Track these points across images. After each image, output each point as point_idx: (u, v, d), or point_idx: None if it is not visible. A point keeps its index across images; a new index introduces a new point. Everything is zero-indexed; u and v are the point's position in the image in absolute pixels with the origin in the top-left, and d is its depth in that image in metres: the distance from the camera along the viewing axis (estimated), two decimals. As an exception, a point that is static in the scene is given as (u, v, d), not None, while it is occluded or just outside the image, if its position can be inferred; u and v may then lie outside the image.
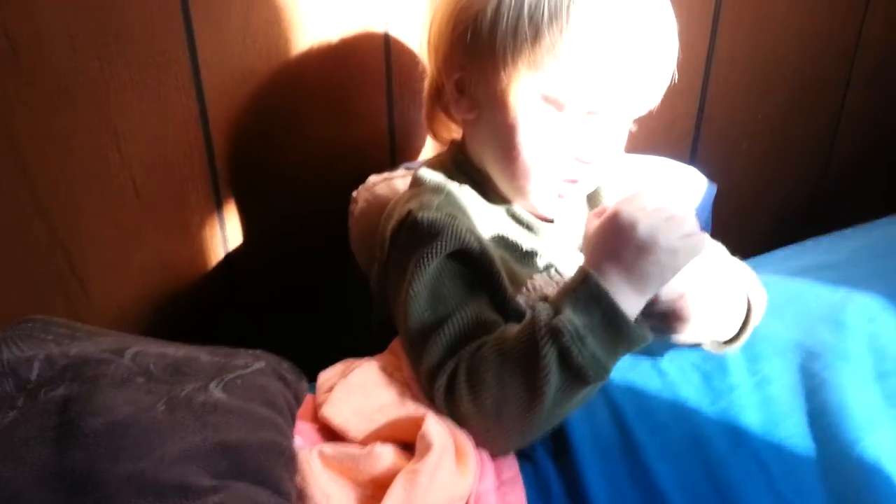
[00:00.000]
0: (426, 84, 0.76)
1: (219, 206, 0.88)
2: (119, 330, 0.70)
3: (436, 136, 0.81)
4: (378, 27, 0.87)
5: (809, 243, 0.99)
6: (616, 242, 0.58)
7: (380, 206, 0.82)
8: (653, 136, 1.10)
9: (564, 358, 0.55)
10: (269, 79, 0.84)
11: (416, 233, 0.65)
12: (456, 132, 0.79)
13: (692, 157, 1.18)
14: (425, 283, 0.63)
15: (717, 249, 0.77)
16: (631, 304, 0.58)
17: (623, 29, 0.62)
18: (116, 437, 0.46)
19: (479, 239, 0.65)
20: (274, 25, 0.82)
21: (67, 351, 0.53)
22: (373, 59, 0.89)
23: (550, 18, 0.62)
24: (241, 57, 0.82)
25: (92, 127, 0.78)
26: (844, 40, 1.21)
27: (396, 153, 0.95)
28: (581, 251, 0.76)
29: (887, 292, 0.80)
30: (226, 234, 0.90)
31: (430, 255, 0.63)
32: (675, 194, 0.60)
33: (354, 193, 0.86)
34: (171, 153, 0.83)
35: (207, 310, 0.93)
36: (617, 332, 0.56)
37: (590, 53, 0.62)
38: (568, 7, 0.62)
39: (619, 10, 0.62)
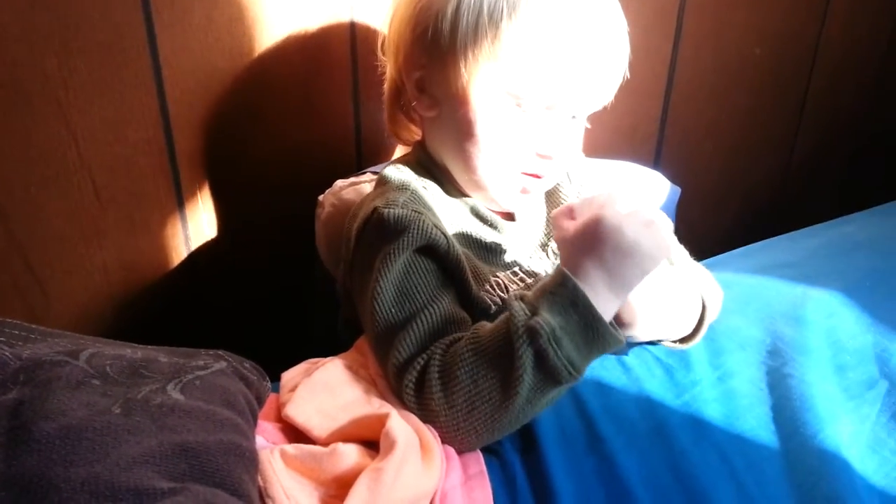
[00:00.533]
0: (386, 86, 0.77)
1: (181, 206, 0.87)
2: (80, 331, 0.69)
3: (398, 138, 0.82)
4: (344, 26, 0.87)
5: (771, 242, 1.01)
6: (600, 245, 0.58)
7: (346, 210, 0.82)
8: (618, 138, 1.11)
9: (540, 359, 0.56)
10: (233, 76, 0.83)
11: (382, 229, 0.65)
12: (417, 133, 0.80)
13: (657, 158, 1.19)
14: (392, 280, 0.63)
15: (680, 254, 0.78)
16: (608, 306, 0.59)
17: (577, 25, 0.64)
18: (70, 441, 0.44)
19: (445, 234, 0.65)
20: (238, 22, 0.81)
21: (20, 353, 0.51)
22: (339, 57, 0.88)
23: (509, 15, 0.63)
24: (203, 54, 0.81)
25: (49, 125, 0.77)
26: (805, 42, 1.23)
27: (363, 152, 0.95)
28: (544, 249, 0.77)
29: (844, 289, 0.82)
30: (188, 233, 0.89)
31: (397, 251, 0.63)
32: (645, 196, 0.61)
33: (321, 198, 0.86)
34: (132, 152, 0.82)
35: (170, 309, 0.92)
36: (593, 335, 0.57)
37: (546, 49, 0.64)
38: (525, 4, 0.63)
39: (573, 7, 0.64)
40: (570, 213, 0.62)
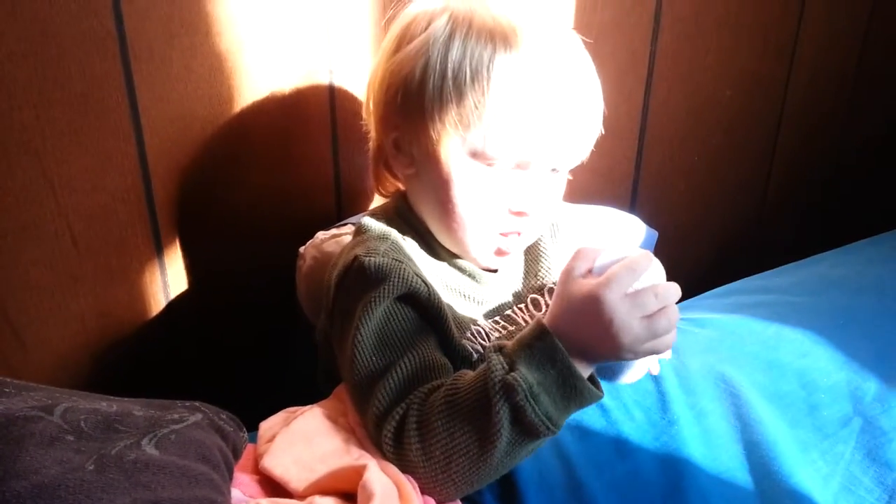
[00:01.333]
0: (371, 144, 0.78)
1: (159, 253, 0.87)
2: (56, 379, 0.68)
3: (383, 193, 0.82)
4: (323, 74, 0.88)
5: (744, 282, 1.03)
6: (587, 325, 0.56)
7: (328, 263, 0.82)
8: (595, 180, 1.13)
9: (517, 415, 0.55)
10: (212, 125, 0.84)
11: (362, 277, 0.65)
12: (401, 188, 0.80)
13: (633, 199, 1.21)
14: (373, 329, 0.63)
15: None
16: (581, 369, 0.58)
17: (544, 87, 0.65)
18: (43, 500, 0.44)
19: (426, 282, 0.66)
20: (217, 72, 0.82)
21: (-6, 408, 0.51)
22: (318, 106, 0.90)
23: (472, 79, 0.64)
24: (182, 103, 0.82)
25: (27, 174, 0.77)
26: (774, 84, 1.27)
27: (342, 200, 0.95)
28: (522, 300, 0.77)
29: (817, 328, 0.83)
30: (167, 280, 0.89)
31: (377, 299, 0.63)
32: (659, 270, 0.59)
33: (302, 250, 0.86)
34: (110, 200, 0.82)
35: (148, 358, 0.91)
36: (571, 391, 0.56)
37: (512, 112, 0.65)
38: (488, 68, 0.64)
39: (539, 69, 0.65)
40: (590, 263, 0.59)
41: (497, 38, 0.65)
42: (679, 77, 1.15)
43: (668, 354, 0.75)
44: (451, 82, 0.65)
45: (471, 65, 0.64)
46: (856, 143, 1.41)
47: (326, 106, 0.90)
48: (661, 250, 1.02)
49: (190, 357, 0.94)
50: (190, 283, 0.90)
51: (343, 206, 0.96)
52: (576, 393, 0.56)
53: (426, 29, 0.67)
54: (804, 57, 1.26)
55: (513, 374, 0.56)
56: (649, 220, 1.00)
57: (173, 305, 0.90)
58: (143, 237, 0.85)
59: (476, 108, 0.64)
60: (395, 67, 0.68)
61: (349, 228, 0.87)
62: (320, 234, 0.86)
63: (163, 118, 0.81)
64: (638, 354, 0.57)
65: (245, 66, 0.84)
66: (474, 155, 0.67)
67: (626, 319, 0.55)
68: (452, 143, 0.66)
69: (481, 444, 0.56)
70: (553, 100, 0.65)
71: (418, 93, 0.66)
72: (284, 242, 0.88)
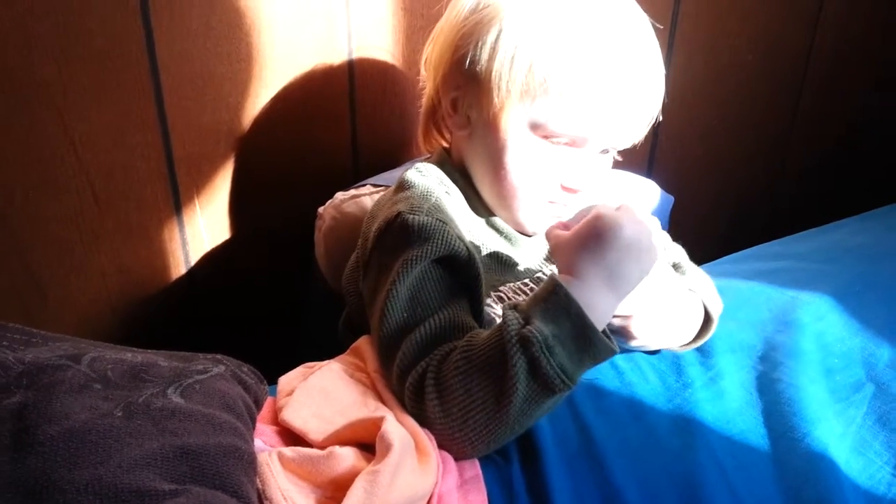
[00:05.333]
0: (424, 100, 0.78)
1: (178, 210, 0.88)
2: (78, 334, 0.69)
3: (427, 149, 0.82)
4: (342, 33, 0.88)
5: (762, 248, 1.02)
6: (599, 242, 0.59)
7: (347, 224, 0.83)
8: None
9: (533, 368, 0.56)
10: (231, 81, 0.84)
11: (405, 234, 0.65)
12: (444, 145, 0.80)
13: (650, 164, 1.20)
14: (408, 285, 0.64)
15: (679, 254, 0.79)
16: (607, 304, 0.60)
17: (614, 67, 0.66)
18: (73, 443, 0.45)
19: (467, 246, 0.66)
20: (236, 28, 0.82)
21: (23, 357, 0.52)
22: (336, 63, 0.89)
23: (545, 50, 0.65)
24: (202, 60, 0.82)
25: (48, 131, 0.77)
26: (797, 49, 1.24)
27: (359, 159, 0.96)
28: (551, 261, 0.77)
29: (834, 293, 0.83)
30: (185, 237, 0.90)
31: (418, 258, 0.64)
32: (634, 199, 0.63)
33: (321, 210, 0.87)
34: (130, 157, 0.82)
35: (168, 313, 0.92)
36: (585, 343, 0.57)
37: (580, 89, 0.66)
38: (562, 42, 0.65)
39: (612, 49, 0.66)
40: (563, 226, 0.64)
41: (574, 14, 0.66)
42: (700, 40, 1.14)
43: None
44: (523, 51, 0.66)
45: (545, 38, 0.65)
46: (879, 108, 1.38)
47: (345, 65, 0.90)
48: (678, 215, 1.02)
49: (208, 313, 0.95)
50: (208, 239, 0.91)
51: (360, 165, 0.96)
52: (590, 345, 0.57)
53: None
54: (827, 21, 1.23)
55: (528, 327, 0.57)
56: (666, 185, 1.00)
57: (191, 261, 0.91)
58: (162, 194, 0.86)
59: (545, 81, 0.66)
60: (468, 30, 0.69)
61: (368, 189, 0.87)
62: (339, 195, 0.87)
63: (182, 75, 0.81)
64: (651, 262, 0.61)
65: (264, 23, 0.83)
66: (534, 127, 0.68)
67: (630, 222, 0.59)
68: (514, 112, 0.68)
69: (498, 398, 0.57)
70: (620, 81, 0.66)
71: (489, 59, 0.67)
72: (302, 201, 0.89)
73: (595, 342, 0.57)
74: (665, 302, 0.69)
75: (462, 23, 0.70)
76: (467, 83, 0.70)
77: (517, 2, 0.67)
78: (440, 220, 0.66)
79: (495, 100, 0.67)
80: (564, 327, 0.57)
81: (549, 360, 0.56)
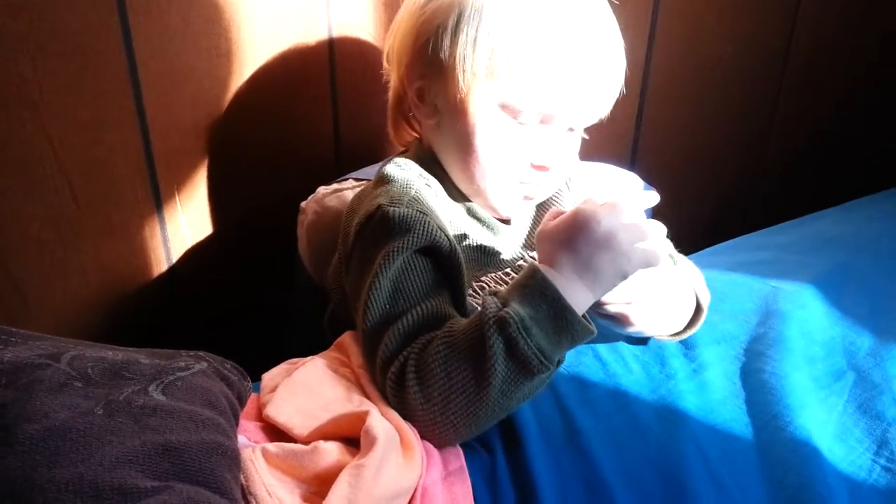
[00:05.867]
0: (390, 93, 0.78)
1: (159, 208, 0.87)
2: (59, 334, 0.69)
3: (399, 142, 0.82)
4: (322, 26, 0.87)
5: (743, 239, 1.03)
6: (575, 235, 0.60)
7: (329, 218, 0.83)
8: (594, 138, 1.12)
9: (510, 348, 0.57)
10: (210, 77, 0.84)
11: (386, 227, 0.65)
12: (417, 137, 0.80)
13: (633, 157, 1.21)
14: (391, 277, 0.64)
15: (666, 249, 0.80)
16: (580, 298, 0.60)
17: (574, 41, 0.67)
18: (53, 442, 0.45)
19: (448, 237, 0.66)
20: (215, 24, 0.82)
21: (1, 357, 0.51)
22: (317, 58, 0.89)
23: (506, 30, 0.66)
24: (180, 56, 0.81)
25: (26, 129, 0.77)
26: (776, 43, 1.26)
27: (341, 154, 0.95)
28: (528, 249, 0.78)
29: (814, 283, 0.84)
30: (167, 234, 0.89)
31: (398, 250, 0.64)
32: (633, 203, 0.63)
33: (303, 204, 0.86)
34: (109, 154, 0.82)
35: (149, 311, 0.92)
36: (563, 324, 0.58)
37: (543, 64, 0.66)
38: (523, 21, 0.66)
39: (571, 24, 0.67)
40: (556, 215, 0.64)
41: None
42: (681, 35, 1.14)
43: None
44: (484, 32, 0.66)
45: (505, 17, 0.66)
46: (858, 101, 1.40)
47: (325, 59, 0.89)
48: (660, 208, 1.02)
49: (190, 311, 0.95)
50: (189, 236, 0.91)
51: (342, 160, 0.95)
52: (567, 326, 0.58)
53: None
54: (806, 16, 1.24)
55: (505, 309, 0.58)
56: (649, 178, 1.00)
57: (173, 259, 0.91)
58: (142, 191, 0.85)
59: (509, 59, 0.66)
60: (428, 17, 0.69)
61: (350, 183, 0.87)
62: (321, 189, 0.87)
63: (160, 71, 0.81)
64: (630, 264, 0.60)
65: (244, 18, 0.83)
66: (502, 107, 0.68)
67: (611, 221, 0.60)
68: (481, 94, 0.68)
69: (477, 381, 0.58)
70: (582, 55, 0.67)
71: (451, 44, 0.67)
72: (282, 196, 0.88)
73: (572, 323, 0.58)
74: (663, 289, 0.70)
75: (421, 10, 0.70)
76: (431, 71, 0.70)
77: None
78: (420, 212, 0.66)
79: (461, 84, 0.67)
80: (541, 309, 0.58)
81: (525, 340, 0.57)
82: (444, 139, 0.72)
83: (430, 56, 0.69)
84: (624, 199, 0.62)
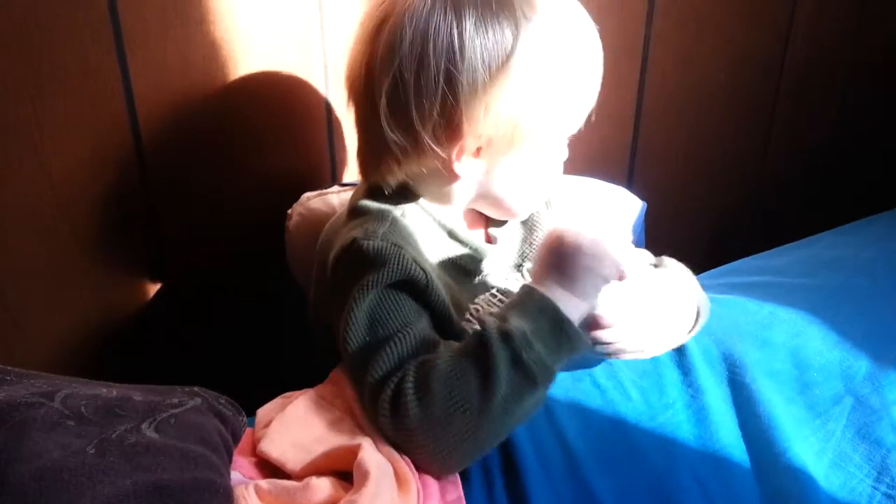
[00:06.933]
0: (362, 133, 0.73)
1: (159, 245, 0.88)
2: (56, 368, 0.69)
3: (376, 179, 0.74)
4: (317, 62, 0.89)
5: (739, 263, 1.03)
6: (547, 254, 0.64)
7: (314, 219, 0.84)
8: (589, 163, 1.13)
9: (514, 360, 0.58)
10: (209, 114, 0.85)
11: (360, 261, 0.65)
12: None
13: (629, 181, 1.21)
14: (365, 309, 0.64)
15: (649, 256, 0.81)
16: (571, 306, 0.63)
17: (586, 55, 0.69)
18: (45, 483, 0.45)
19: (424, 269, 0.66)
20: (212, 61, 0.83)
21: (-4, 396, 0.52)
22: (312, 92, 0.90)
23: (529, 106, 0.67)
24: (178, 92, 0.82)
25: (25, 167, 0.78)
26: (769, 65, 1.26)
27: (336, 167, 0.96)
28: (519, 270, 0.78)
29: (811, 307, 0.84)
30: (165, 270, 0.90)
31: (372, 283, 0.64)
32: (601, 221, 0.66)
33: (290, 210, 0.88)
34: (108, 191, 0.82)
35: (147, 346, 0.92)
36: (561, 335, 0.61)
37: (572, 107, 0.70)
38: (537, 89, 0.67)
39: (584, 54, 0.69)
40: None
41: (545, 32, 0.66)
42: (673, 61, 1.15)
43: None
44: (510, 113, 0.67)
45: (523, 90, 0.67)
46: (854, 124, 1.40)
47: (321, 94, 0.90)
48: (658, 232, 1.03)
49: (188, 345, 0.95)
50: (187, 273, 0.91)
51: (337, 174, 0.96)
52: (565, 337, 0.61)
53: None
54: (799, 32, 1.25)
55: (507, 324, 0.60)
56: (646, 199, 1.00)
57: (171, 294, 0.91)
58: (140, 228, 0.86)
59: (539, 126, 0.68)
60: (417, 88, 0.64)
61: (336, 188, 0.88)
62: (307, 194, 0.88)
63: (159, 107, 0.82)
64: (603, 261, 0.63)
65: (239, 53, 0.84)
66: (553, 141, 0.72)
67: (572, 233, 0.64)
68: (544, 133, 0.70)
69: (481, 394, 0.58)
70: (592, 65, 0.70)
71: (482, 124, 0.66)
72: (279, 227, 0.89)
73: (570, 333, 0.61)
74: (654, 309, 0.71)
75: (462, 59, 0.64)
76: (471, 127, 0.66)
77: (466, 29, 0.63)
78: (395, 245, 0.66)
79: (507, 148, 0.69)
80: (541, 322, 0.61)
81: (528, 352, 0.59)
82: (474, 185, 0.72)
83: (464, 114, 0.65)
84: (587, 221, 0.66)
